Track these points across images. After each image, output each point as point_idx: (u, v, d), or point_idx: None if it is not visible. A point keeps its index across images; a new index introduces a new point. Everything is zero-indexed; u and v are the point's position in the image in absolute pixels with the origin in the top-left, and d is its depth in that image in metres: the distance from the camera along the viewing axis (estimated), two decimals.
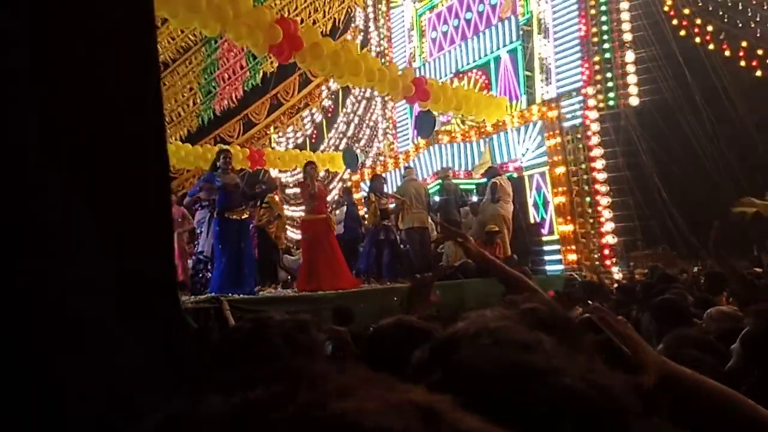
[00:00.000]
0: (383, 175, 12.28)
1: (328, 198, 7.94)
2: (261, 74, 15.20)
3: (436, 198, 9.18)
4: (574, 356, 0.51)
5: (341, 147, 15.58)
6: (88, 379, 0.82)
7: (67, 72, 0.89)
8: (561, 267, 9.09)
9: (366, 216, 8.28)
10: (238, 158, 13.17)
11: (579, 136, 9.64)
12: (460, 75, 12.44)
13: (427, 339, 1.39)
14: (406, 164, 11.05)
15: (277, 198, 8.08)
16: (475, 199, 10.04)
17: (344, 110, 16.62)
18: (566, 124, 9.66)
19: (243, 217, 6.19)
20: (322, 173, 14.68)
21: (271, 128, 16.67)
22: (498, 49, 11.86)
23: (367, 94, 15.96)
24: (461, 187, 10.35)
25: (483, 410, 0.32)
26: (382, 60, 14.89)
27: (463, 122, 11.60)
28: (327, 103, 16.88)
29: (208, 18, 6.51)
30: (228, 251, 5.93)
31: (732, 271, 3.34)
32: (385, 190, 8.53)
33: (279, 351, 0.85)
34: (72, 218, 0.85)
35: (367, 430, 0.26)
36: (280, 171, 14.85)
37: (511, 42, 11.61)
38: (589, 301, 5.05)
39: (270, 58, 13.88)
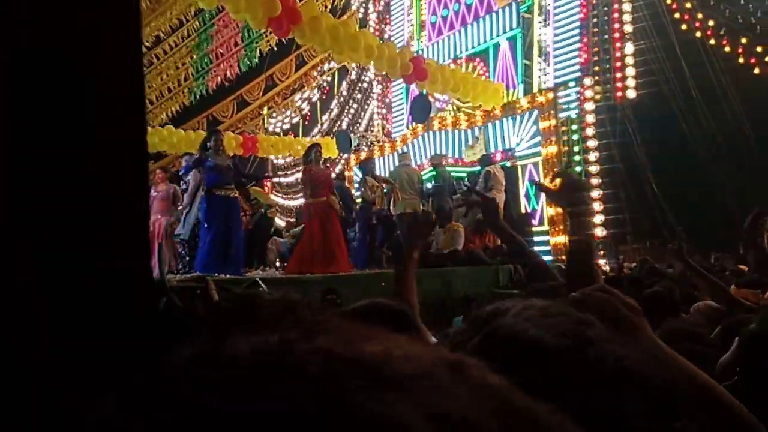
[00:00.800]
0: (376, 159, 12.23)
1: None
2: (257, 53, 14.98)
3: (428, 185, 9.13)
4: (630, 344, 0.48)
5: (335, 130, 15.46)
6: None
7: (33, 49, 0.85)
8: (550, 257, 9.08)
9: (362, 199, 8.24)
10: (231, 145, 13.03)
11: (575, 127, 9.59)
12: (459, 61, 12.32)
13: (403, 319, 1.36)
14: (402, 149, 10.97)
15: (266, 187, 8.01)
16: (465, 187, 10.01)
17: (339, 93, 16.48)
18: (562, 115, 9.60)
19: (231, 195, 6.10)
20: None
21: (265, 109, 16.48)
22: (498, 35, 11.75)
23: (363, 77, 15.81)
24: (457, 174, 10.31)
25: (519, 378, 0.30)
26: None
27: (458, 109, 11.51)
28: (323, 83, 16.70)
29: None
30: (214, 229, 5.86)
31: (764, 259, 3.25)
32: (377, 173, 8.52)
33: (268, 325, 0.84)
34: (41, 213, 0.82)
35: (393, 371, 0.25)
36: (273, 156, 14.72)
37: (511, 29, 11.49)
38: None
39: (267, 35, 13.69)
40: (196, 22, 15.13)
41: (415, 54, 13.27)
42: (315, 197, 6.72)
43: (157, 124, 14.30)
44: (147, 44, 14.86)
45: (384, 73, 11.22)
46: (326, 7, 15.48)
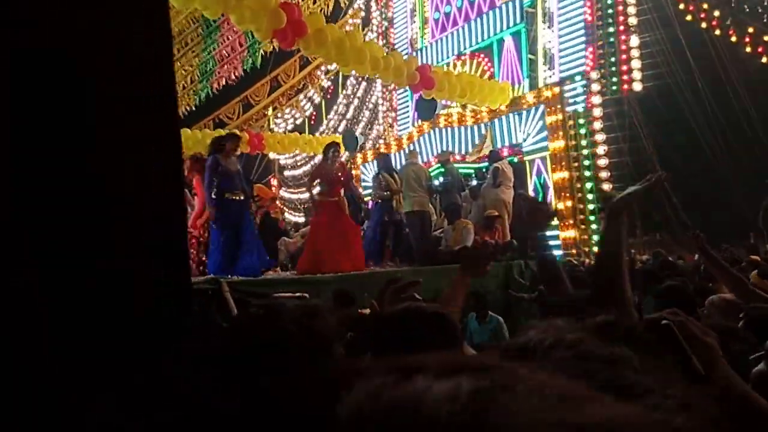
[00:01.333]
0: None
1: None
2: (261, 53, 15.02)
3: (436, 182, 9.13)
4: (664, 375, 0.45)
5: (340, 129, 15.48)
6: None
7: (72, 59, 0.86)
8: (560, 252, 9.07)
9: (374, 195, 8.23)
10: None
11: (581, 121, 9.57)
12: (463, 58, 12.30)
13: (446, 326, 1.36)
14: (410, 147, 10.97)
15: (272, 184, 8.02)
16: (474, 183, 10.01)
17: (344, 92, 16.49)
18: (569, 109, 9.58)
19: (241, 198, 6.14)
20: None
21: (270, 109, 16.52)
22: (501, 31, 11.72)
23: (368, 76, 15.81)
24: (461, 171, 10.31)
25: None
26: (384, 41, 14.74)
27: (464, 106, 11.51)
28: (326, 83, 16.72)
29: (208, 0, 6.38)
30: (226, 232, 5.89)
31: None
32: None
33: (293, 337, 0.85)
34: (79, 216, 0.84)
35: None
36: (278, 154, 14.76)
37: (515, 24, 11.46)
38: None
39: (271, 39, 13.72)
40: (200, 29, 15.18)
41: (419, 51, 13.31)
42: (328, 196, 6.71)
43: None
44: None
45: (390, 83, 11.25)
46: (328, 5, 15.50)
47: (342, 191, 6.97)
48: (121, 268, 0.88)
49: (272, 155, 14.95)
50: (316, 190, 7.24)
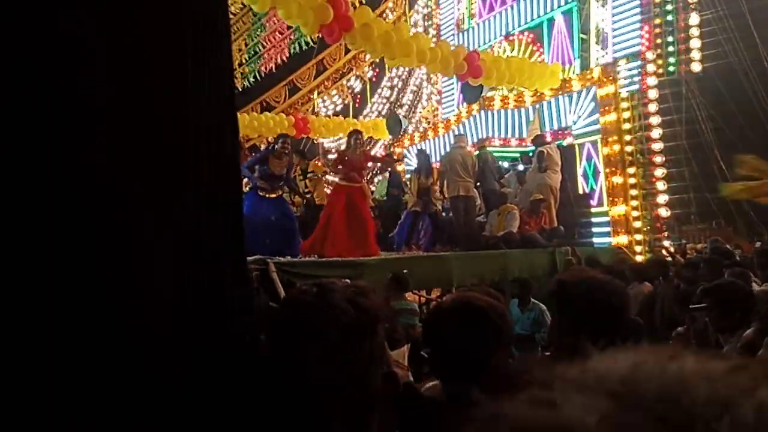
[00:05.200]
0: (429, 140, 12.14)
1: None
2: (307, 38, 15.08)
3: None
4: None
5: (384, 112, 15.42)
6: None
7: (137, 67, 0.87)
8: (609, 239, 8.81)
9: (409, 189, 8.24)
10: (283, 125, 13.28)
11: (635, 103, 9.20)
12: (510, 38, 11.99)
13: (485, 318, 1.36)
14: (457, 130, 10.83)
15: (319, 164, 8.11)
16: (521, 167, 9.81)
17: (389, 74, 16.38)
18: (623, 91, 9.22)
19: (274, 196, 6.28)
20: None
21: (315, 93, 16.61)
22: (552, 10, 11.34)
23: None
24: (509, 155, 10.11)
25: None
26: (429, 22, 14.52)
27: (511, 89, 11.24)
28: (370, 73, 16.67)
29: None
30: (252, 224, 5.97)
31: None
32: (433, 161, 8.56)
33: (345, 311, 0.89)
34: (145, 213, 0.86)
35: None
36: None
37: (567, 2, 11.06)
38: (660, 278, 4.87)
39: None
40: (250, 13, 15.36)
41: (465, 32, 13.05)
42: (351, 181, 6.70)
43: None
44: None
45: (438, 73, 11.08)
46: None
47: (362, 178, 6.97)
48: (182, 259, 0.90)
49: (317, 139, 15.07)
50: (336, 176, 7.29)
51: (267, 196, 6.18)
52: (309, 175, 7.88)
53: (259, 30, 15.93)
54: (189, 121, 0.89)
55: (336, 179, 6.98)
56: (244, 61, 16.18)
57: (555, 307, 1.84)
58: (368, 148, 13.24)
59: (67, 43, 0.78)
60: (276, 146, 6.31)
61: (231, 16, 15.45)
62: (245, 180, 6.32)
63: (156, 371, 0.79)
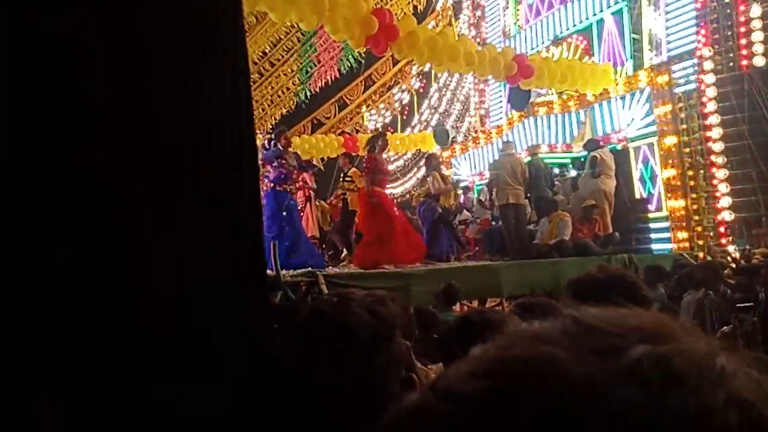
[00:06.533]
0: (477, 150, 12.01)
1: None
2: (356, 54, 15.35)
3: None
4: None
5: (432, 123, 15.40)
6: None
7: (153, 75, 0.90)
8: (670, 246, 8.40)
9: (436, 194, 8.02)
10: (333, 146, 13.51)
11: (693, 102, 8.78)
12: (559, 42, 11.75)
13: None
14: (504, 139, 10.68)
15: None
16: (573, 173, 9.53)
17: (436, 84, 16.39)
18: (678, 90, 8.83)
19: (291, 192, 6.37)
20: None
21: (363, 107, 16.81)
22: (601, 11, 11.04)
23: None
24: (558, 161, 9.85)
25: None
26: (475, 32, 14.44)
27: (560, 93, 10.99)
28: (417, 84, 16.75)
29: (304, 11, 6.59)
30: (278, 225, 6.06)
31: None
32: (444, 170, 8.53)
33: (362, 320, 0.93)
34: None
35: None
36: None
37: (616, 3, 10.75)
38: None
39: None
40: (299, 34, 15.81)
41: (513, 38, 12.89)
42: (377, 186, 6.57)
43: (266, 129, 15.23)
44: (259, 54, 15.99)
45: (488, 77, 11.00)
46: (420, 2, 15.46)
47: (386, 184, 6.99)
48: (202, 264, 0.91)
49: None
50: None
51: (284, 188, 6.26)
52: (347, 180, 7.98)
53: (310, 50, 16.35)
54: (189, 121, 0.90)
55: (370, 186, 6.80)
56: (297, 81, 16.63)
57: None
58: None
59: (67, 43, 0.81)
60: (279, 144, 6.37)
61: (279, 39, 15.98)
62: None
63: (156, 371, 0.80)
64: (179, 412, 0.81)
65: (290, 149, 6.64)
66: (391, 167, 17.82)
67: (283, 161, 6.22)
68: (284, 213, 6.15)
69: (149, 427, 0.80)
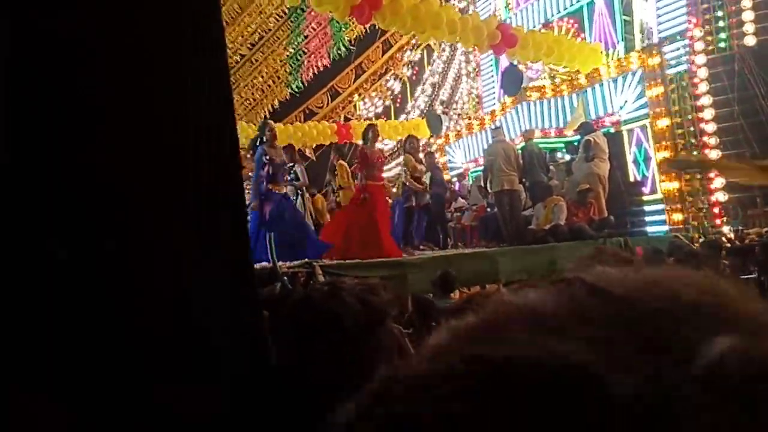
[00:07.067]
0: (471, 136, 12.00)
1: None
2: (346, 40, 15.25)
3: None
4: None
5: (426, 110, 15.37)
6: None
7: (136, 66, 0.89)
8: (665, 228, 8.44)
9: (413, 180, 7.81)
10: (326, 133, 13.45)
11: (685, 84, 8.79)
12: (550, 25, 11.70)
13: None
14: (494, 124, 10.66)
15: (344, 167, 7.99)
16: (567, 158, 9.54)
17: (429, 69, 16.33)
18: (670, 71, 8.83)
19: (283, 191, 6.22)
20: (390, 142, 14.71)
21: (356, 96, 16.74)
22: None
23: (449, 53, 15.52)
24: (551, 146, 9.85)
25: None
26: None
27: (553, 77, 10.96)
28: (408, 72, 16.67)
29: None
30: (279, 227, 5.87)
31: None
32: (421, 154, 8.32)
33: (352, 308, 0.93)
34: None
35: None
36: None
37: None
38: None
39: (352, 24, 13.85)
40: (289, 21, 15.67)
41: (503, 20, 12.82)
42: (371, 180, 6.43)
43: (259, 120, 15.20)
44: (248, 45, 15.86)
45: (471, 48, 10.94)
46: None
47: (382, 174, 6.77)
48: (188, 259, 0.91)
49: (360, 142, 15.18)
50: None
51: (276, 190, 6.06)
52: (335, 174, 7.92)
53: (299, 38, 16.23)
54: (189, 121, 0.89)
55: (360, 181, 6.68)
56: (286, 71, 16.51)
57: None
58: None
59: (67, 43, 0.80)
60: (264, 137, 6.15)
61: (268, 29, 15.85)
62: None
63: (156, 371, 0.80)
64: (179, 412, 0.81)
65: (276, 142, 6.39)
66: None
67: (269, 159, 6.02)
68: (277, 212, 5.99)
69: (149, 427, 0.80)
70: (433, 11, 7.55)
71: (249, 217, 6.61)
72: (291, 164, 7.11)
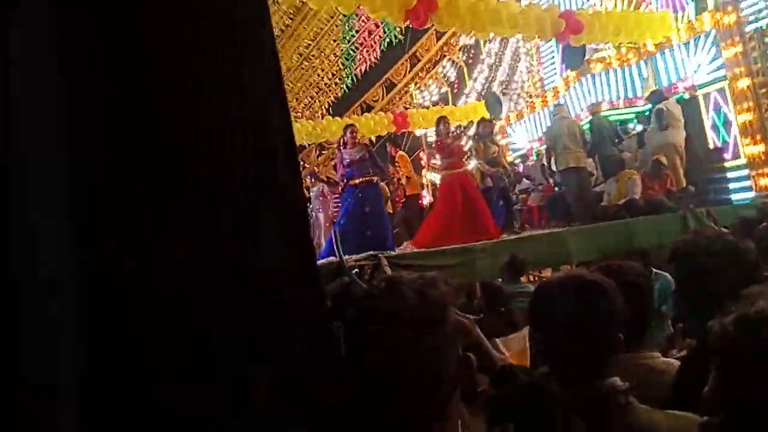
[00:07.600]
0: (532, 115, 11.65)
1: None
2: (397, 30, 15.21)
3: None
4: None
5: (484, 93, 15.06)
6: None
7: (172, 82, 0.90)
8: (751, 194, 7.85)
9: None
10: (383, 123, 13.46)
11: (767, 39, 8.11)
12: None
13: (602, 293, 1.29)
14: (556, 102, 10.28)
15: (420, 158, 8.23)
16: (639, 128, 9.07)
17: (486, 50, 15.98)
18: (749, 29, 8.17)
19: (366, 181, 6.51)
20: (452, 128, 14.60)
21: (412, 86, 16.66)
22: None
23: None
24: (621, 117, 9.40)
25: None
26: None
27: (618, 47, 10.43)
28: (464, 56, 16.39)
29: None
30: (347, 216, 6.36)
31: None
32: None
33: (411, 302, 0.95)
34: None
35: None
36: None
37: None
38: None
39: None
40: (340, 17, 15.84)
41: (560, 1, 12.34)
42: (451, 169, 6.73)
43: (320, 115, 15.55)
44: (304, 45, 16.23)
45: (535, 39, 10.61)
46: None
47: (462, 162, 6.95)
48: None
49: (419, 131, 15.09)
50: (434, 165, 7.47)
51: (359, 182, 6.52)
52: (396, 165, 8.08)
53: (350, 34, 16.35)
54: (189, 121, 0.89)
55: (439, 173, 7.21)
56: (341, 66, 16.71)
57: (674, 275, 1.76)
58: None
59: (68, 43, 0.80)
60: (345, 138, 6.69)
61: (321, 28, 16.12)
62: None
63: (156, 371, 0.79)
64: (179, 412, 0.80)
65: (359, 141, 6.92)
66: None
67: (347, 162, 6.56)
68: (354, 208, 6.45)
69: (149, 427, 0.79)
70: (492, 8, 7.38)
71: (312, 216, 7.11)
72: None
